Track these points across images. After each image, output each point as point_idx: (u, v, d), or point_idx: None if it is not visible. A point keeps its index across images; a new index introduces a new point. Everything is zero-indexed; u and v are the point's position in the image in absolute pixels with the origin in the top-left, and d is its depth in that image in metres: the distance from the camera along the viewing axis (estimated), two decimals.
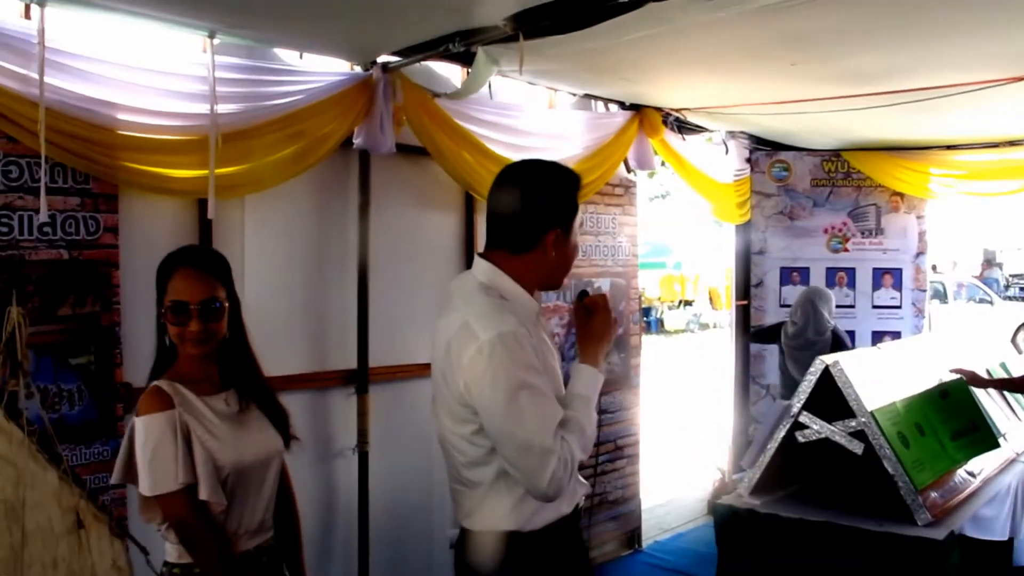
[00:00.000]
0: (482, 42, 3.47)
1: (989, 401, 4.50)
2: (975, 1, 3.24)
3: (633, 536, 5.76)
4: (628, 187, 5.60)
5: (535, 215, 2.20)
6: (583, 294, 2.35)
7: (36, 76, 2.83)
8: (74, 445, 2.95)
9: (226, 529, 2.28)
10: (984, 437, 4.11)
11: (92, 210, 3.16)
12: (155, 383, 2.31)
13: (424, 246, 4.30)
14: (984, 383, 4.34)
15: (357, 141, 3.82)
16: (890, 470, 3.50)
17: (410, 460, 4.27)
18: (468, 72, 4.01)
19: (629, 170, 5.54)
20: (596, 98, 5.16)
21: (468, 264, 4.42)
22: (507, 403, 2.04)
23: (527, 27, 3.22)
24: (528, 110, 4.73)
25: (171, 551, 2.25)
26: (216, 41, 3.27)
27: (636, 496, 5.74)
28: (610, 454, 5.49)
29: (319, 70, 3.77)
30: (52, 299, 3.07)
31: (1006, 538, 4.14)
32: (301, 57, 3.78)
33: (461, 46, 3.49)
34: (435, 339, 2.24)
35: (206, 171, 3.22)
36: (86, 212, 3.15)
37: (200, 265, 2.37)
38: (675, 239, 22.13)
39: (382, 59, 3.83)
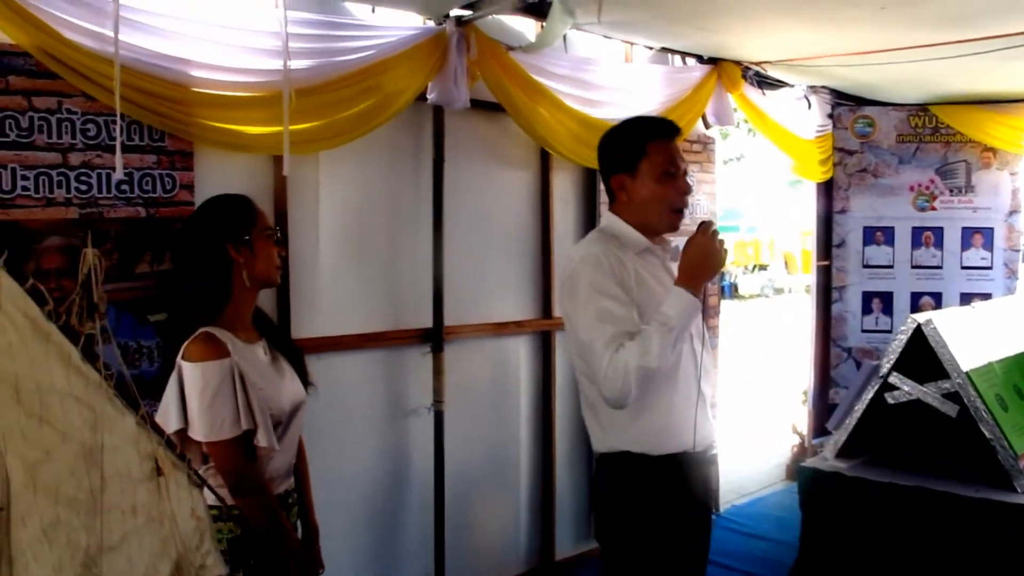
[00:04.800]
0: None
1: None
2: None
3: None
4: (706, 143, 5.45)
5: (602, 168, 2.63)
6: (704, 224, 2.47)
7: (111, 34, 2.81)
8: (154, 401, 2.97)
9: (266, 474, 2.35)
10: None
11: (168, 168, 3.16)
12: (204, 329, 2.32)
13: (499, 203, 4.23)
14: None
15: (431, 96, 3.75)
16: (987, 434, 3.34)
17: (485, 418, 4.25)
18: (543, 25, 3.91)
19: (708, 126, 5.39)
20: (673, 52, 5.00)
21: (543, 220, 4.43)
22: (578, 309, 2.42)
23: None
24: (604, 64, 4.60)
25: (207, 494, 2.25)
26: None
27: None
28: None
29: (391, 24, 3.69)
30: (130, 256, 3.08)
31: None
32: (373, 11, 3.70)
33: None
34: None
35: (280, 127, 3.18)
36: (162, 170, 3.14)
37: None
38: (749, 203, 21.73)
39: (455, 12, 3.73)
